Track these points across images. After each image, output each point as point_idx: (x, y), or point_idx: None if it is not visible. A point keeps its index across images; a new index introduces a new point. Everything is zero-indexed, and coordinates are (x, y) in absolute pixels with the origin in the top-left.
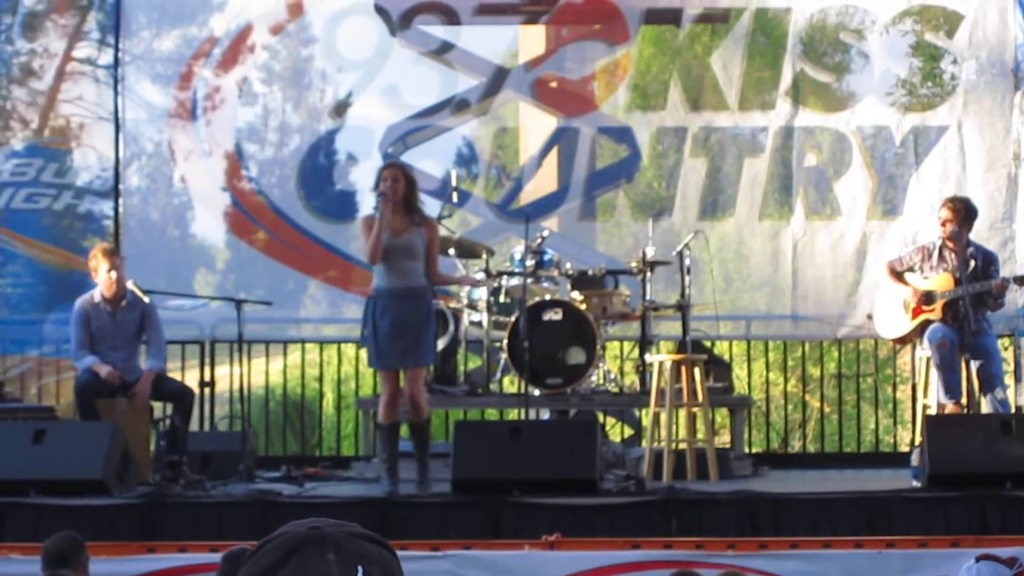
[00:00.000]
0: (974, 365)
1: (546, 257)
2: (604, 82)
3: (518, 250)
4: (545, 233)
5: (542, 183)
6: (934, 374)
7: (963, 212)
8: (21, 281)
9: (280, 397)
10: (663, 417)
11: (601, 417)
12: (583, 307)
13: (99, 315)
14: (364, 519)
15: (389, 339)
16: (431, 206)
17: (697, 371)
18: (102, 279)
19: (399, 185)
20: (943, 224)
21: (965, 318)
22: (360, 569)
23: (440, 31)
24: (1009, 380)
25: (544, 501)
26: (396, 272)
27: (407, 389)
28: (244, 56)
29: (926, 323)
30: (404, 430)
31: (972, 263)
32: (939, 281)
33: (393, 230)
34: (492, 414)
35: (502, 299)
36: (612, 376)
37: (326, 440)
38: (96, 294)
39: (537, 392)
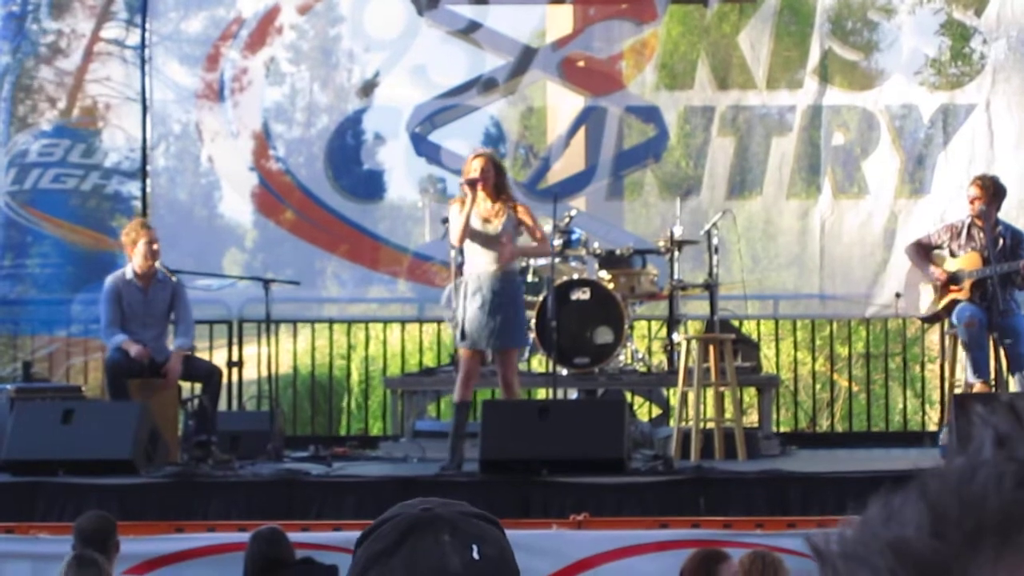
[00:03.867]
0: (1002, 344)
1: (574, 236)
2: (632, 61)
3: (546, 229)
4: (573, 212)
5: (570, 162)
6: (962, 353)
7: (992, 190)
8: (49, 261)
9: (308, 377)
10: (691, 396)
11: (629, 397)
12: (611, 286)
13: (131, 292)
14: (392, 499)
15: (479, 320)
16: (458, 186)
17: (725, 350)
18: (140, 251)
19: (488, 174)
20: (971, 202)
21: (993, 297)
22: (475, 548)
23: (468, 10)
24: None
25: (572, 481)
26: (486, 256)
27: (500, 371)
28: (271, 37)
29: (954, 302)
30: (431, 409)
31: (1000, 242)
32: (967, 260)
33: (484, 217)
34: (520, 394)
35: (530, 278)
36: (640, 356)
37: (354, 420)
38: (128, 271)
39: (565, 372)
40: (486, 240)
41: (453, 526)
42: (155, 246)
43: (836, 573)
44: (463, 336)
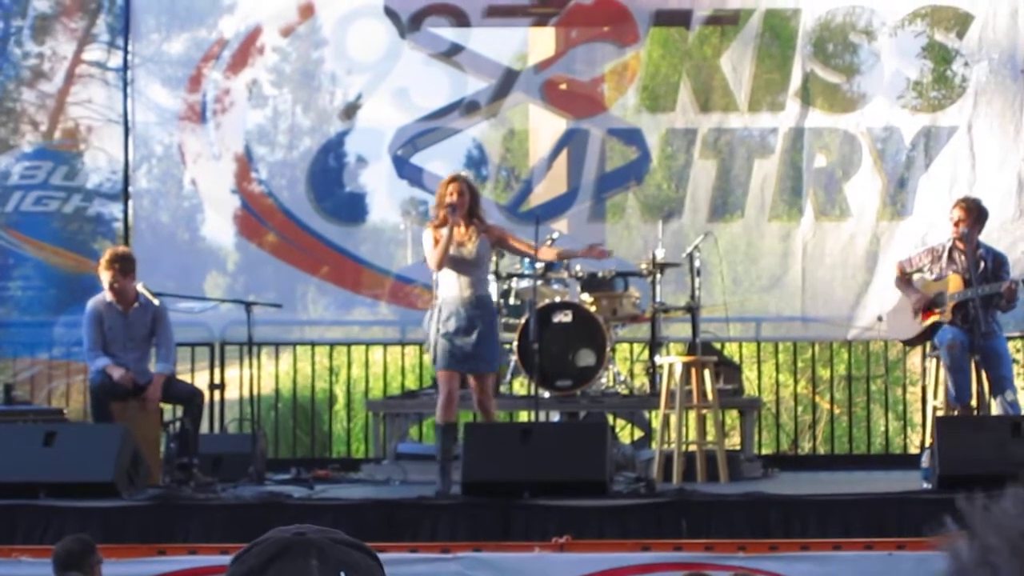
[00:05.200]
0: (984, 367)
1: None
2: (613, 84)
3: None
4: (555, 235)
5: (552, 185)
6: (944, 376)
7: (975, 213)
8: (31, 284)
9: (290, 399)
10: (673, 419)
11: (611, 419)
12: (593, 309)
13: (111, 316)
14: (374, 521)
15: (454, 343)
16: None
17: (707, 373)
18: (104, 287)
19: (464, 199)
20: (956, 224)
21: (975, 320)
22: (342, 575)
23: (450, 33)
24: (1019, 382)
25: (554, 503)
26: (461, 281)
27: (476, 395)
28: (253, 58)
29: (936, 325)
30: (414, 432)
31: (982, 264)
32: (949, 283)
33: (457, 241)
34: (502, 416)
35: (512, 301)
36: (622, 378)
37: (336, 442)
38: (108, 294)
39: (547, 394)
40: (460, 264)
41: (322, 552)
42: (116, 285)
43: (984, 545)
44: (435, 360)
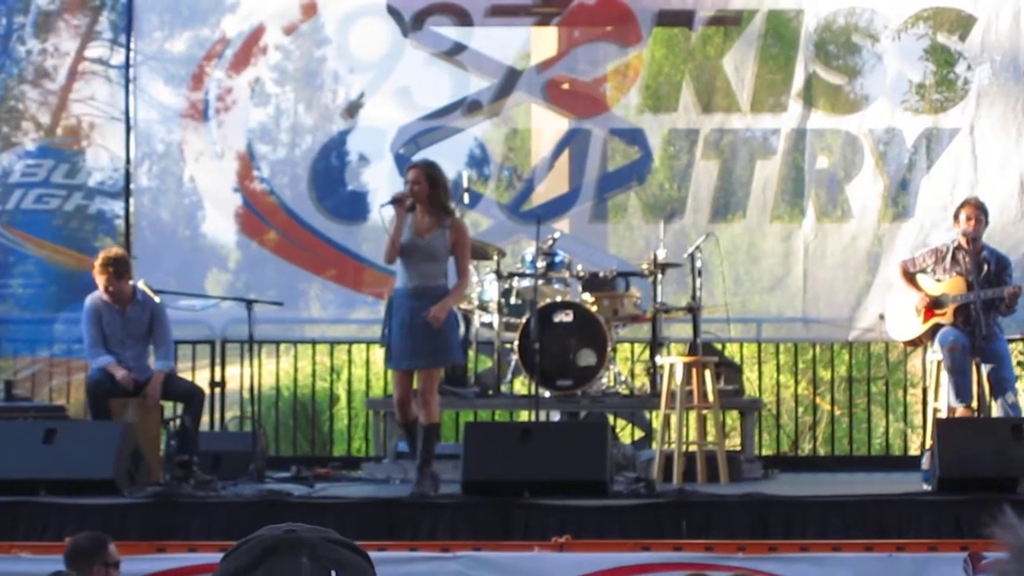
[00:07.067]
0: (985, 369)
1: (557, 259)
2: (616, 84)
3: (529, 252)
4: (556, 235)
5: (553, 185)
6: (945, 378)
7: (986, 214)
8: (32, 282)
9: (291, 397)
10: (673, 419)
11: (611, 419)
12: (594, 309)
13: (109, 313)
14: (374, 520)
15: (400, 339)
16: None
17: (708, 373)
18: (100, 288)
19: (420, 187)
20: (972, 223)
21: (977, 322)
22: (333, 574)
23: (452, 32)
24: (1020, 385)
25: (554, 503)
26: (413, 272)
27: (419, 388)
28: (256, 57)
29: (937, 326)
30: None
31: (985, 267)
32: (951, 285)
33: (416, 230)
34: (503, 416)
35: (513, 301)
36: (622, 378)
37: (336, 441)
38: (104, 295)
39: (547, 394)
40: (413, 253)
41: (313, 550)
42: (111, 288)
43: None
44: (390, 357)
